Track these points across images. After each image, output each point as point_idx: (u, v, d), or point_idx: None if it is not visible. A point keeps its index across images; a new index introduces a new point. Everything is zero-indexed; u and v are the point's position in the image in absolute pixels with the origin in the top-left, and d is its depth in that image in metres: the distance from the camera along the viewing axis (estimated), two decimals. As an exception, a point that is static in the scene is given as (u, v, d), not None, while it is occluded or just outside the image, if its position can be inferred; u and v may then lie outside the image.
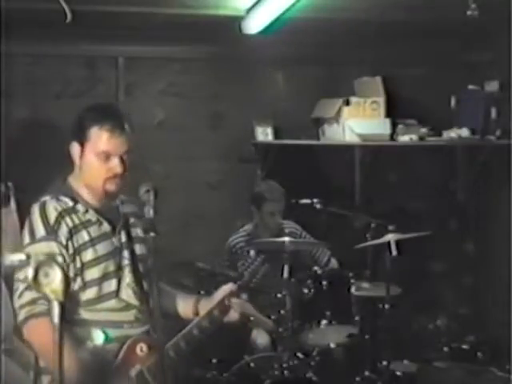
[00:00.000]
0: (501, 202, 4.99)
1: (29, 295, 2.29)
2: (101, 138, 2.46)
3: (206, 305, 2.66)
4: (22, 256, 2.48)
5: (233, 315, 2.64)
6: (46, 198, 2.47)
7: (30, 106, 4.81)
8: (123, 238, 2.56)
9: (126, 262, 2.54)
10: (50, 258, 2.16)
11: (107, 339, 1.96)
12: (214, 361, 3.87)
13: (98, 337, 1.99)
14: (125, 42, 4.83)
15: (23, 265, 2.42)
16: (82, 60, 4.92)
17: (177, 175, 4.99)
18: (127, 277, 2.53)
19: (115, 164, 2.48)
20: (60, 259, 2.33)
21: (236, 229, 4.71)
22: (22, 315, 2.31)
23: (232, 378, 3.77)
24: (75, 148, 2.52)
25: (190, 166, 5.07)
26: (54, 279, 1.82)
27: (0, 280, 3.25)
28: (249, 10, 4.22)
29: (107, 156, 2.47)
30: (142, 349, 2.42)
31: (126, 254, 2.55)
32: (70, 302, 2.28)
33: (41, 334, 2.25)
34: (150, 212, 2.30)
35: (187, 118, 5.10)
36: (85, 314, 2.43)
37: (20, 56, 4.70)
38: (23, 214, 2.61)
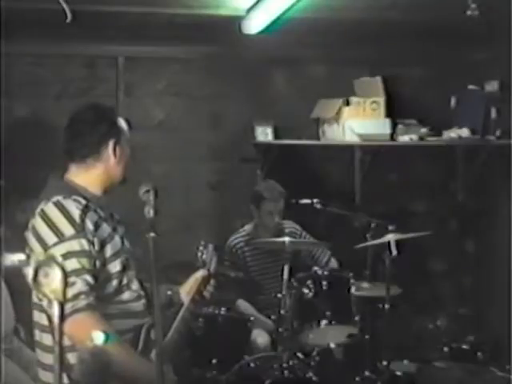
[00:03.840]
0: (501, 202, 4.99)
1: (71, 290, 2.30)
2: (124, 125, 2.64)
3: (184, 292, 2.86)
4: (21, 256, 2.49)
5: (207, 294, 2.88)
6: (58, 197, 2.45)
7: (30, 106, 4.81)
8: (120, 232, 2.63)
9: (127, 255, 2.60)
10: (73, 255, 2.25)
11: (108, 339, 1.96)
12: (214, 361, 3.87)
13: (98, 337, 1.99)
14: (125, 42, 4.83)
15: (23, 265, 2.43)
16: (82, 60, 4.92)
17: (177, 175, 5.00)
18: (132, 269, 2.60)
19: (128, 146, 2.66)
20: (90, 255, 2.38)
21: (236, 229, 4.72)
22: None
23: (232, 377, 3.76)
24: (116, 146, 2.59)
25: (190, 166, 5.07)
26: (54, 279, 1.83)
27: (0, 280, 3.25)
28: (249, 10, 4.22)
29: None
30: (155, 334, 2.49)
31: (125, 248, 2.61)
32: (97, 296, 2.38)
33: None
34: (150, 212, 2.31)
35: (187, 118, 5.11)
36: (108, 307, 2.47)
37: (20, 56, 4.70)
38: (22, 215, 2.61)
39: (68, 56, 4.86)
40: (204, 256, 2.89)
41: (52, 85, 4.86)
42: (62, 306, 1.82)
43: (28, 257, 2.47)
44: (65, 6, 3.37)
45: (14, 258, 2.22)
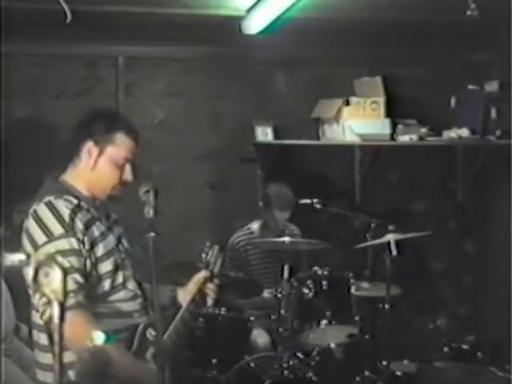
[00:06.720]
0: (501, 202, 4.99)
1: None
2: (125, 145, 2.54)
3: (184, 293, 2.82)
4: (21, 256, 2.49)
5: (209, 300, 2.83)
6: (50, 197, 2.46)
7: (29, 106, 4.81)
8: (116, 231, 2.63)
9: (123, 255, 2.61)
10: (66, 254, 2.25)
11: (108, 339, 1.96)
12: (214, 361, 3.87)
13: (98, 337, 1.99)
14: (125, 42, 4.83)
15: (23, 265, 2.43)
16: (82, 60, 4.92)
17: (177, 175, 4.99)
18: (129, 269, 2.60)
19: (128, 171, 2.55)
20: (80, 254, 2.38)
21: (236, 229, 4.71)
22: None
23: (232, 377, 3.77)
24: (91, 148, 2.54)
25: (190, 165, 5.07)
26: (54, 279, 1.82)
27: (0, 280, 3.25)
28: (249, 10, 4.22)
29: (125, 163, 2.55)
30: (151, 333, 2.49)
31: (121, 247, 2.62)
32: (87, 296, 2.36)
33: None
34: (149, 212, 2.31)
35: (187, 118, 5.10)
36: (100, 307, 2.47)
37: (20, 56, 4.70)
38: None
39: (68, 56, 4.86)
40: (208, 257, 2.88)
41: (52, 85, 4.86)
42: (62, 305, 1.82)
43: (28, 257, 2.47)
44: (65, 6, 3.37)
45: (14, 258, 2.22)
